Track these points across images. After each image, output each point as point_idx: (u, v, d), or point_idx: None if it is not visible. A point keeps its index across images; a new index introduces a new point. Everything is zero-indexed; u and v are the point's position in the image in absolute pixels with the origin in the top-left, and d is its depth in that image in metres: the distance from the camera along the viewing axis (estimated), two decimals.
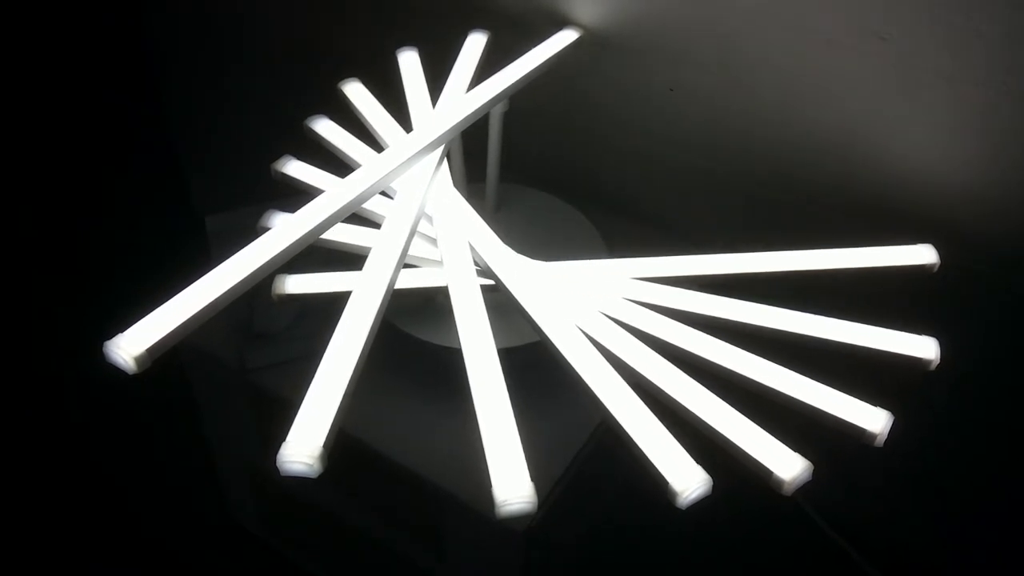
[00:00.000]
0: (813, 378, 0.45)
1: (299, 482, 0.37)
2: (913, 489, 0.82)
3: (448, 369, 0.47)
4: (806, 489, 0.41)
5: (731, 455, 0.41)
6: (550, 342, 0.46)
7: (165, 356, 0.41)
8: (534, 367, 0.53)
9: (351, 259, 0.53)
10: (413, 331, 0.59)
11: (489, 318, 0.46)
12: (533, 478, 0.38)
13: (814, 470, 0.40)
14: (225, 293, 0.42)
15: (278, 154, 0.59)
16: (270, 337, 0.65)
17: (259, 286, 0.47)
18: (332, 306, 0.44)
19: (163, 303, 0.41)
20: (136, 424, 0.97)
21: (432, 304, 0.60)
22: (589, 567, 0.81)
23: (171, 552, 0.91)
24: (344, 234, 0.55)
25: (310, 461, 0.36)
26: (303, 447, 0.36)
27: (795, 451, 0.41)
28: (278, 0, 0.88)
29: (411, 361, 0.62)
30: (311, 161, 0.59)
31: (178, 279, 0.43)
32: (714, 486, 0.39)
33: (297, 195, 0.56)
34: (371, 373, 0.44)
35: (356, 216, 0.54)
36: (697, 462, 0.40)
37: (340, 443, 0.39)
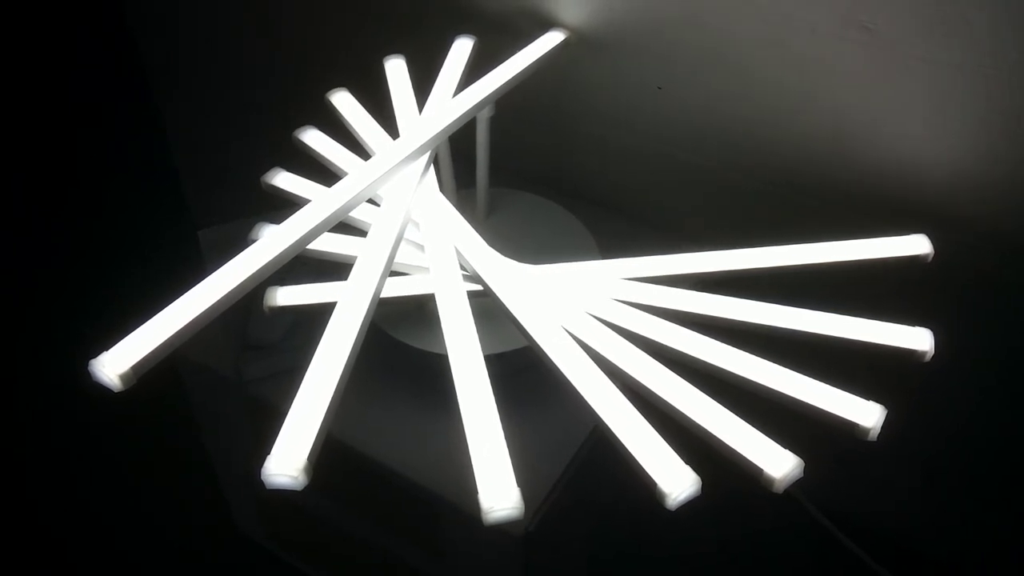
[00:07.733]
0: (807, 374, 0.44)
1: (294, 492, 0.37)
2: (913, 482, 0.81)
3: (440, 375, 0.47)
4: (806, 487, 0.40)
5: (722, 454, 0.41)
6: (537, 346, 0.45)
7: (163, 368, 0.41)
8: (527, 371, 0.53)
9: (345, 269, 0.53)
10: (404, 338, 0.59)
11: (479, 323, 0.46)
12: (528, 482, 0.38)
13: (818, 468, 0.40)
14: (209, 308, 0.42)
15: (276, 166, 0.59)
16: (266, 348, 0.65)
17: (253, 297, 0.47)
18: (326, 316, 0.44)
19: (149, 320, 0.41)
20: (137, 436, 0.97)
21: (423, 310, 0.60)
22: (592, 569, 0.81)
23: (176, 562, 0.91)
24: (332, 243, 0.55)
25: (295, 474, 0.36)
26: (287, 460, 0.36)
27: (790, 449, 0.40)
28: (269, 13, 0.88)
29: (403, 367, 0.62)
30: (310, 173, 0.59)
31: (174, 294, 0.43)
32: (712, 486, 0.39)
33: (294, 207, 0.56)
34: (364, 380, 0.44)
35: (346, 225, 0.54)
36: (689, 463, 0.39)
37: (335, 451, 0.38)
